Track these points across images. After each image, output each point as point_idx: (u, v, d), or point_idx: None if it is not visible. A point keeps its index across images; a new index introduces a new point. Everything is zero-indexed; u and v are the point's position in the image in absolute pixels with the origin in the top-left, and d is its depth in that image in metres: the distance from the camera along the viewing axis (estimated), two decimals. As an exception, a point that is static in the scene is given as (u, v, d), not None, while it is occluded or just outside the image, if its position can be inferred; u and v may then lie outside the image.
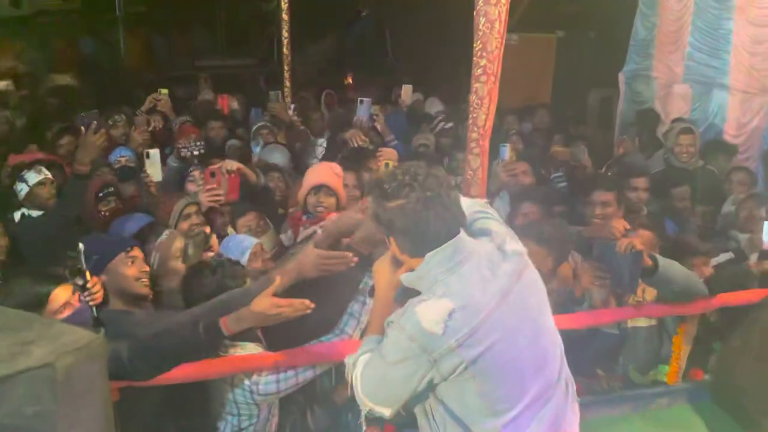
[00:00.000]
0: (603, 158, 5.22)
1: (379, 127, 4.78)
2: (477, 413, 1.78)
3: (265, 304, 2.15)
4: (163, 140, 5.19)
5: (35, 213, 3.74)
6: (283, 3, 6.14)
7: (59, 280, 2.31)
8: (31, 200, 3.78)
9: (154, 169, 3.82)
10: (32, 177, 3.80)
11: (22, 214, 3.74)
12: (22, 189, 3.80)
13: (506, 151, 4.15)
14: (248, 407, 2.41)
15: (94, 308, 2.45)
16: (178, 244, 3.02)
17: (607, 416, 2.90)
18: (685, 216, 4.16)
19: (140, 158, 4.22)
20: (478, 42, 2.62)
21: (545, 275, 2.58)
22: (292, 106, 5.30)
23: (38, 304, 2.22)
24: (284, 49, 6.25)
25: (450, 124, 5.21)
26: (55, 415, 1.70)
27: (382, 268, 1.97)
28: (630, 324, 3.03)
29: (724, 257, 3.52)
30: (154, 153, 3.85)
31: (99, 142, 3.52)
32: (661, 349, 3.09)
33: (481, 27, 2.59)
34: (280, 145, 4.77)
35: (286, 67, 6.29)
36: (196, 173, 3.93)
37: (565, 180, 4.50)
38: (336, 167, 3.54)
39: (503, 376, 1.76)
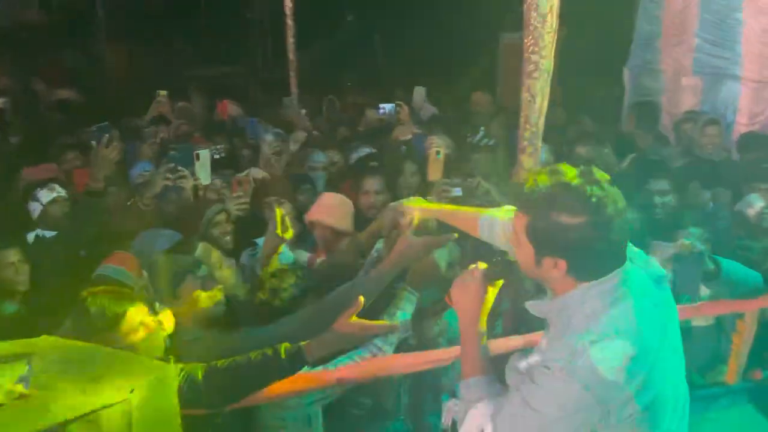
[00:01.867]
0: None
1: (403, 118, 4.62)
2: None
3: (353, 327, 1.99)
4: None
5: (49, 233, 3.57)
6: (286, 8, 6.00)
7: (133, 300, 2.15)
8: (44, 220, 3.61)
9: (204, 172, 3.59)
10: (45, 195, 3.63)
11: (36, 235, 3.56)
12: (35, 209, 3.64)
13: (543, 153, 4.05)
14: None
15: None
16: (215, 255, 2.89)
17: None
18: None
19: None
20: (530, 37, 2.51)
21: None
22: (303, 111, 5.16)
23: (113, 324, 2.06)
24: (289, 55, 6.11)
25: (492, 141, 5.00)
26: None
27: (469, 289, 1.68)
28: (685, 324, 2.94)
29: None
30: (204, 154, 3.60)
31: (113, 155, 3.36)
32: (719, 348, 3.00)
33: (532, 21, 2.49)
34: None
35: (292, 73, 6.16)
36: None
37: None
38: (329, 198, 3.33)
39: (664, 417, 1.55)
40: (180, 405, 1.87)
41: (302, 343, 2.00)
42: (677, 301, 2.88)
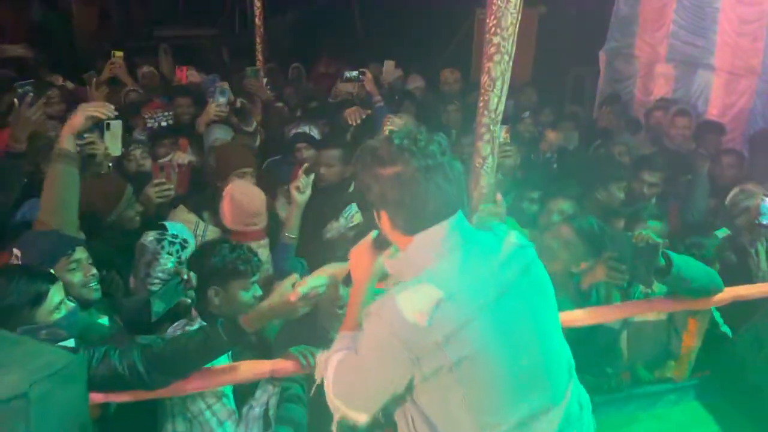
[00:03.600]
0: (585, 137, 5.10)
1: (368, 86, 4.47)
2: (461, 426, 1.55)
3: (286, 294, 1.95)
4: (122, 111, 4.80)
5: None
6: (255, -29, 5.78)
7: (53, 278, 2.06)
8: None
9: (113, 142, 3.37)
10: None
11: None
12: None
13: (501, 133, 3.95)
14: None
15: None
16: None
17: (614, 415, 2.77)
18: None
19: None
20: (492, 17, 2.39)
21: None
22: (265, 80, 4.98)
23: (35, 303, 1.98)
24: (256, 20, 5.89)
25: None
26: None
27: (360, 253, 1.76)
28: (637, 318, 2.90)
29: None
30: (116, 124, 3.33)
31: (35, 117, 3.13)
32: (669, 344, 2.97)
33: (495, 1, 2.36)
34: (223, 124, 4.28)
35: (258, 40, 5.94)
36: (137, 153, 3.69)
37: (557, 162, 4.34)
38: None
39: (493, 385, 1.53)
40: (116, 387, 1.86)
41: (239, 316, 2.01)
42: (633, 293, 2.88)
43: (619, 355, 2.92)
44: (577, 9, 7.70)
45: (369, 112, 4.15)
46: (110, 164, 3.43)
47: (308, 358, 2.14)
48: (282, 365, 2.18)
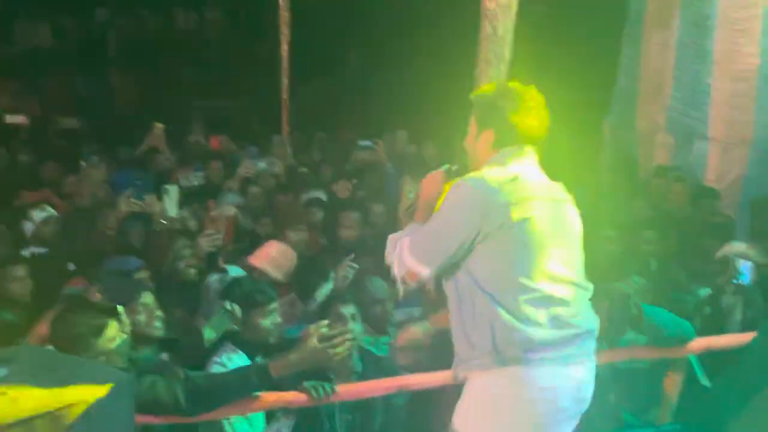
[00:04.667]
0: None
1: (380, 155, 4.93)
2: (501, 285, 1.97)
3: (312, 343, 2.30)
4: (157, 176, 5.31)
5: (42, 250, 3.85)
6: (282, 49, 6.37)
7: (114, 313, 2.44)
8: (37, 238, 3.89)
9: (171, 204, 3.94)
10: (38, 215, 3.93)
11: (31, 252, 3.84)
12: (29, 228, 3.92)
13: None
14: None
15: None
16: None
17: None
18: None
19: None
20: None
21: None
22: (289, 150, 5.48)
23: (96, 334, 2.35)
24: (283, 94, 6.46)
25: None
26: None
27: (433, 177, 2.27)
28: (622, 366, 3.16)
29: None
30: (173, 189, 3.99)
31: (98, 175, 3.67)
32: (652, 391, 3.21)
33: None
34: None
35: (284, 112, 6.50)
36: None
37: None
38: (274, 247, 3.62)
39: (539, 253, 1.99)
40: (157, 412, 2.15)
41: (269, 362, 2.35)
42: (618, 343, 3.15)
43: (606, 401, 3.17)
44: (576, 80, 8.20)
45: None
46: (164, 221, 3.91)
47: (319, 392, 2.46)
48: (296, 397, 2.50)
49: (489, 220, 1.97)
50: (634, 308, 2.72)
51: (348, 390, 2.60)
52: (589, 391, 2.11)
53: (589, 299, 2.84)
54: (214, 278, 3.31)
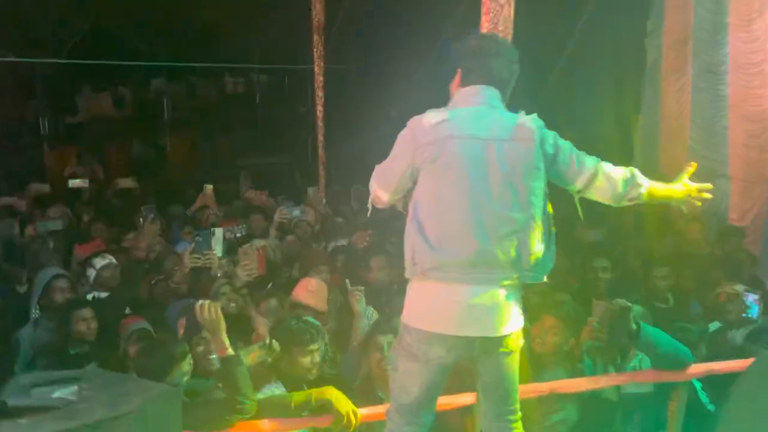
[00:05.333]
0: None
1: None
2: (427, 207, 2.31)
3: None
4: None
5: (103, 294, 4.34)
6: (317, 109, 6.94)
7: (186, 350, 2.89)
8: (98, 282, 4.40)
9: (219, 245, 4.40)
10: (99, 262, 4.44)
11: (93, 296, 4.32)
12: (91, 273, 4.43)
13: None
14: None
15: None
16: None
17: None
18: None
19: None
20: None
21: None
22: (324, 200, 5.97)
23: (170, 365, 2.78)
24: (319, 151, 6.99)
25: None
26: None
27: None
28: (629, 390, 3.39)
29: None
30: (219, 231, 4.47)
31: (154, 229, 4.18)
32: (658, 414, 3.41)
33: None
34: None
35: (321, 166, 7.01)
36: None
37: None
38: (311, 282, 3.95)
39: (453, 181, 2.29)
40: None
41: None
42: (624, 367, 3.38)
43: (614, 423, 3.40)
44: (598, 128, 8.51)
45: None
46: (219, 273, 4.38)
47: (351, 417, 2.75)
48: (323, 421, 2.81)
49: (416, 156, 2.33)
50: (633, 322, 2.99)
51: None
52: (483, 315, 2.32)
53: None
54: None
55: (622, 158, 7.53)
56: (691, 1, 6.67)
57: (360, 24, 10.23)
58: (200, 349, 3.15)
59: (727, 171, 6.34)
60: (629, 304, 3.05)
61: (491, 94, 2.41)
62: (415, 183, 2.39)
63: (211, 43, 11.77)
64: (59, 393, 2.23)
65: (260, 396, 2.96)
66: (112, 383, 2.38)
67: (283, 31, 10.52)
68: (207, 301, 2.76)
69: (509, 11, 3.07)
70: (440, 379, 2.44)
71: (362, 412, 2.80)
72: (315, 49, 6.73)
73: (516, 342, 2.42)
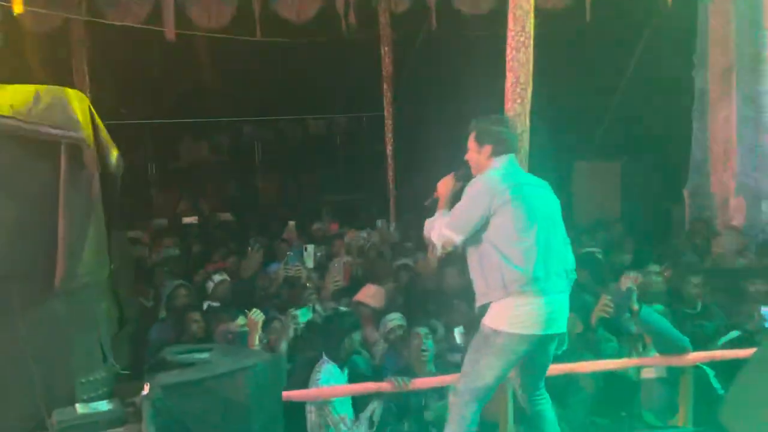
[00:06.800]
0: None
1: None
2: (505, 239, 3.08)
3: None
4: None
5: (216, 304, 5.36)
6: (387, 148, 7.93)
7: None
8: (214, 294, 5.43)
9: (309, 259, 5.44)
10: (217, 277, 5.51)
11: (209, 305, 5.35)
12: (209, 285, 5.49)
13: None
14: None
15: None
16: None
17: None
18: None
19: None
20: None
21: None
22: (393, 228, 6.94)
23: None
24: (390, 186, 7.97)
25: None
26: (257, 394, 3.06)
27: (447, 179, 3.37)
28: (644, 376, 3.99)
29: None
30: (311, 246, 5.54)
31: (258, 257, 5.23)
32: (672, 398, 3.98)
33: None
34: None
35: (392, 200, 7.97)
36: None
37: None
38: (371, 287, 4.88)
39: (525, 216, 3.11)
40: None
41: None
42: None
43: (632, 403, 4.00)
44: (654, 155, 9.02)
45: None
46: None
47: (402, 383, 3.58)
48: (384, 386, 3.64)
49: (495, 200, 3.09)
50: (635, 302, 3.66)
51: (424, 382, 3.73)
52: (559, 316, 3.19)
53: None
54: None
55: (675, 183, 8.14)
56: (732, 37, 7.20)
57: (428, 73, 11.16)
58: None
59: (772, 192, 6.76)
60: (633, 286, 3.74)
61: (515, 158, 3.37)
62: (482, 227, 3.13)
63: (297, 93, 13.00)
64: (197, 356, 3.18)
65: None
66: (234, 351, 3.33)
67: (359, 80, 11.58)
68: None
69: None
70: (511, 369, 3.28)
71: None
72: (384, 96, 7.73)
73: None
